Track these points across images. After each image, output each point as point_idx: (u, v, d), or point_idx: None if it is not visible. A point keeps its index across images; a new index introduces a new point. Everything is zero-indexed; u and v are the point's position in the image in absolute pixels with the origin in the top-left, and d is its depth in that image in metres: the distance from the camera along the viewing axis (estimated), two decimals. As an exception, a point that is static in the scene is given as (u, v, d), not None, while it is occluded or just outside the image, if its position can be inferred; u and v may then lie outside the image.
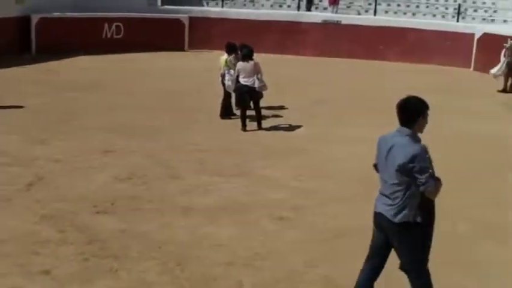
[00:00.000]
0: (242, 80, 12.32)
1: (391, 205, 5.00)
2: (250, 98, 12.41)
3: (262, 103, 12.69)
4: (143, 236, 6.95)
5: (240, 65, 12.40)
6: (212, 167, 9.76)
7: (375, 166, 5.33)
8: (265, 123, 12.67)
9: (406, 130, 5.01)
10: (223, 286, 5.93)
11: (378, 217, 5.15)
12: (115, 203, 7.93)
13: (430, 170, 4.86)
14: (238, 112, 13.10)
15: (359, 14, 26.19)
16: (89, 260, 6.32)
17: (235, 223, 7.49)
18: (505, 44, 18.62)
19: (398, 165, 4.85)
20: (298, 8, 26.35)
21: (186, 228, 7.23)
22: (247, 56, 12.41)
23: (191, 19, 24.86)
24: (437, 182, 4.89)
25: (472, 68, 22.53)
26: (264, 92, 12.49)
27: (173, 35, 24.32)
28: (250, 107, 12.62)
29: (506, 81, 18.22)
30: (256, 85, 12.23)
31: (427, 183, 4.81)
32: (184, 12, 25.05)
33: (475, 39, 22.61)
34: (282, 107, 14.19)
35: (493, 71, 18.41)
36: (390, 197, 5.01)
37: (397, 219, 4.96)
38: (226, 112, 13.29)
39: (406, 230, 4.97)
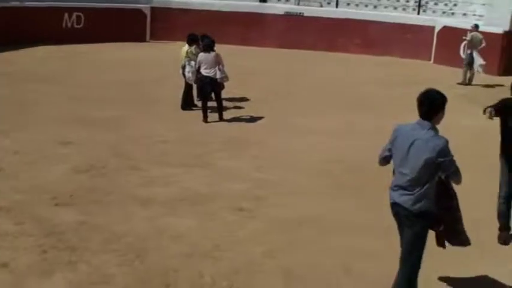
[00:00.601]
0: (204, 71, 12.30)
1: (409, 195, 5.12)
2: (211, 89, 12.40)
3: (224, 94, 12.71)
4: (102, 228, 6.93)
5: (202, 56, 12.38)
6: (173, 158, 9.75)
7: (385, 158, 5.41)
8: (227, 115, 12.68)
9: (427, 123, 5.14)
10: (183, 277, 5.95)
11: (396, 207, 5.25)
12: (74, 195, 7.88)
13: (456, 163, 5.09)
14: (199, 103, 13.08)
15: (321, 6, 26.27)
16: (47, 252, 6.28)
17: (196, 214, 7.51)
18: (464, 37, 18.92)
19: (425, 160, 4.99)
20: (261, -1, 26.32)
21: (145, 220, 7.22)
22: (209, 47, 12.39)
23: (153, 9, 24.64)
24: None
25: (432, 61, 22.79)
26: (225, 83, 12.50)
27: (135, 26, 24.06)
28: (211, 98, 12.62)
29: (465, 74, 18.50)
30: (217, 76, 12.23)
31: (456, 175, 5.13)
32: (146, 3, 24.82)
33: (435, 32, 22.88)
34: (243, 99, 14.20)
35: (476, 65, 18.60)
36: (409, 188, 5.12)
37: (415, 208, 5.11)
38: (187, 103, 13.26)
39: (421, 218, 5.14)
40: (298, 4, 25.89)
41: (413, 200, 5.09)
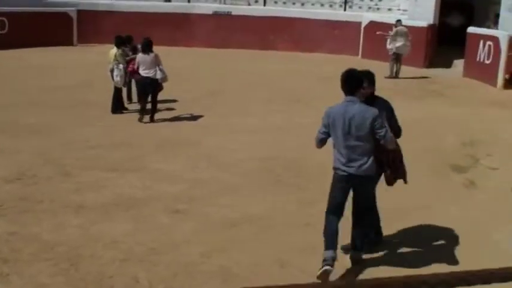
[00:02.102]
0: (143, 72, 12.30)
1: (364, 163, 5.83)
2: (151, 90, 12.36)
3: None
4: (34, 237, 6.76)
5: (140, 57, 12.37)
6: (105, 162, 9.60)
7: (322, 140, 6.03)
8: (159, 116, 12.63)
9: (355, 98, 5.85)
10: (119, 283, 5.87)
11: (352, 179, 5.90)
12: (4, 205, 7.66)
13: (386, 125, 5.84)
14: (129, 106, 12.96)
15: (249, 4, 26.38)
16: (-23, 265, 6.09)
17: (130, 219, 7.42)
18: (389, 32, 19.32)
19: (368, 128, 5.72)
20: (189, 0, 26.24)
21: (78, 227, 7.09)
22: (147, 48, 12.32)
23: (79, 12, 24.27)
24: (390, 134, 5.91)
25: (360, 56, 23.20)
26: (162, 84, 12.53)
27: (61, 29, 23.64)
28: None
29: (392, 67, 18.90)
30: (158, 76, 12.28)
31: (386, 136, 5.79)
32: (71, 6, 24.40)
33: (362, 27, 23.30)
34: (175, 100, 14.13)
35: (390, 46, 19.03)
36: (360, 157, 5.82)
37: (372, 172, 5.93)
38: (117, 107, 13.10)
39: (371, 179, 6.04)
40: (225, 3, 25.94)
41: (369, 165, 5.84)
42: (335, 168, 5.99)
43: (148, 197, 8.16)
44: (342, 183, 5.97)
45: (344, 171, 5.88)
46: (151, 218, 7.45)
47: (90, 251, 6.44)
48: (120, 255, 6.39)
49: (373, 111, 5.78)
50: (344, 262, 6.27)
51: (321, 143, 6.04)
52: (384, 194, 6.65)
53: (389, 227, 7.00)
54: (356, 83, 5.91)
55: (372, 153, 5.89)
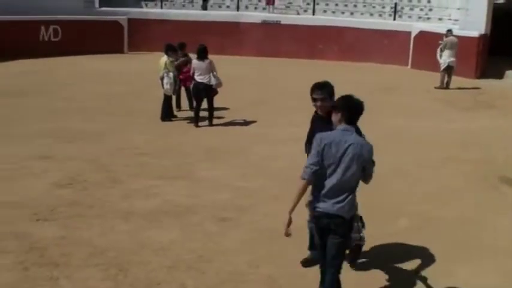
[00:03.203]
0: (198, 78, 12.53)
1: (342, 202, 5.03)
2: (205, 95, 12.52)
3: (204, 103, 12.74)
4: (84, 242, 6.86)
5: (196, 63, 12.58)
6: (153, 170, 9.69)
7: (315, 172, 5.03)
8: (206, 123, 12.73)
9: (352, 128, 5.15)
10: (167, 290, 5.91)
11: (327, 219, 5.08)
12: (55, 210, 7.79)
13: None
14: (179, 114, 13.09)
15: (298, 13, 26.40)
16: (28, 268, 6.20)
17: (178, 226, 7.46)
18: (440, 42, 19.07)
19: (361, 163, 5.03)
20: (238, 8, 26.41)
21: (127, 233, 7.16)
22: (203, 54, 12.55)
23: (130, 21, 24.65)
24: None
25: (409, 66, 22.98)
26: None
27: (112, 37, 24.06)
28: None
29: (443, 78, 18.65)
30: (212, 82, 12.47)
31: (371, 176, 5.22)
32: (122, 14, 24.80)
33: (412, 37, 23.07)
34: (223, 108, 14.18)
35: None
36: (341, 195, 5.04)
37: (349, 214, 5.10)
38: (167, 115, 13.23)
39: (349, 223, 5.17)
40: (273, 12, 26.03)
41: (348, 206, 5.06)
42: (313, 207, 5.18)
43: (196, 205, 8.20)
44: (320, 225, 5.18)
45: (321, 209, 5.09)
46: (199, 226, 7.48)
47: (139, 257, 6.50)
48: (168, 262, 6.43)
49: (370, 144, 5.12)
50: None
51: (313, 176, 5.05)
52: (434, 204, 6.56)
53: (439, 236, 6.88)
54: (358, 112, 5.21)
55: (354, 194, 5.15)
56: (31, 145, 10.79)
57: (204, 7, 26.76)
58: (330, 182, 5.04)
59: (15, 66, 19.97)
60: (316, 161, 5.02)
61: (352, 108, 5.19)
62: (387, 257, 6.71)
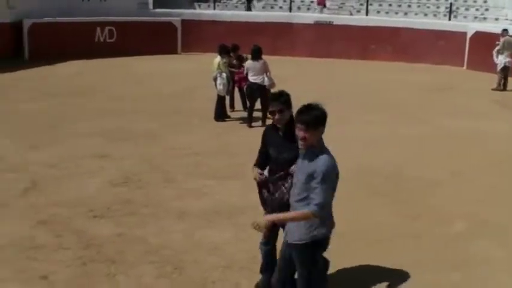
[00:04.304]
0: (251, 78, 12.70)
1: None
2: (259, 95, 12.59)
3: (257, 104, 12.80)
4: (140, 240, 6.95)
5: (249, 63, 12.76)
6: (206, 169, 9.76)
7: (328, 204, 4.81)
8: (259, 124, 12.73)
9: None
10: (221, 289, 5.95)
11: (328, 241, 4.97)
12: (111, 208, 7.93)
13: None
14: (232, 115, 13.14)
15: (351, 14, 26.25)
16: (86, 264, 6.32)
17: (231, 226, 7.49)
18: (497, 42, 18.71)
19: None
20: (290, 9, 26.40)
21: (182, 232, 7.23)
22: (257, 55, 12.67)
23: (183, 22, 24.87)
24: None
25: (465, 67, 22.60)
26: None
27: (166, 38, 24.32)
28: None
29: (500, 79, 18.29)
30: (265, 83, 12.57)
31: None
32: (176, 15, 25.05)
33: (468, 37, 22.68)
34: (276, 108, 14.18)
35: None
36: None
37: None
38: (220, 115, 13.30)
39: None
40: (322, 12, 25.93)
41: None
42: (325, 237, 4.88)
43: (248, 205, 8.16)
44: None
45: (328, 232, 4.90)
46: (251, 226, 7.47)
47: (194, 256, 6.55)
48: (223, 261, 6.46)
49: None
50: None
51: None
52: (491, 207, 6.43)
53: (495, 240, 6.75)
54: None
55: None
56: (87, 144, 11.00)
57: (248, 8, 26.83)
58: (330, 208, 4.89)
59: (71, 67, 20.39)
60: (330, 199, 4.79)
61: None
62: (441, 259, 6.62)
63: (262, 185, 5.41)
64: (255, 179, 5.42)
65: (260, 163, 5.57)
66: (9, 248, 6.66)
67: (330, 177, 4.67)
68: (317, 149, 4.73)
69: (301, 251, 4.83)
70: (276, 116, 5.31)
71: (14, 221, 7.46)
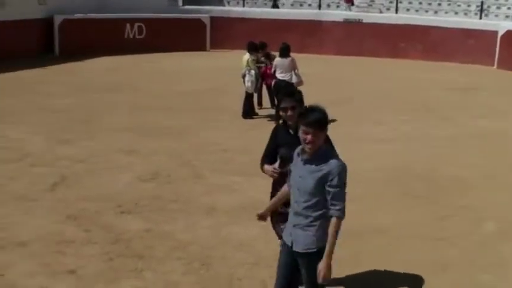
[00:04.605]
0: (279, 76, 12.67)
1: None
2: None
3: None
4: (168, 236, 6.97)
5: (278, 61, 12.74)
6: (234, 166, 9.76)
7: None
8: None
9: None
10: (248, 286, 5.93)
11: None
12: (139, 203, 7.96)
13: None
14: (260, 112, 13.13)
15: (380, 12, 26.08)
16: (113, 259, 6.35)
17: (259, 223, 7.37)
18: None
19: None
20: (319, 6, 26.30)
21: (210, 228, 7.23)
22: (285, 52, 12.64)
23: (212, 19, 24.91)
24: None
25: (495, 66, 22.32)
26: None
27: (195, 35, 24.39)
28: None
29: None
30: (293, 80, 12.51)
31: None
32: (205, 12, 25.11)
33: (499, 36, 22.38)
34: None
35: None
36: None
37: None
38: (248, 112, 13.30)
39: None
40: (350, 10, 25.80)
41: None
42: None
43: (276, 203, 8.18)
44: None
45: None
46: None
47: (221, 253, 6.55)
48: (250, 258, 6.45)
49: None
50: None
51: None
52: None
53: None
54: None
55: None
56: (116, 139, 11.06)
57: (275, 5, 26.79)
58: None
59: (101, 63, 20.55)
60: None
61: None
62: (471, 260, 6.54)
63: (277, 183, 5.32)
64: (271, 176, 5.30)
65: (266, 162, 5.57)
66: (38, 242, 6.72)
67: (345, 179, 4.56)
68: (323, 151, 4.58)
69: (313, 258, 4.62)
70: (289, 113, 5.25)
71: (42, 215, 7.52)
